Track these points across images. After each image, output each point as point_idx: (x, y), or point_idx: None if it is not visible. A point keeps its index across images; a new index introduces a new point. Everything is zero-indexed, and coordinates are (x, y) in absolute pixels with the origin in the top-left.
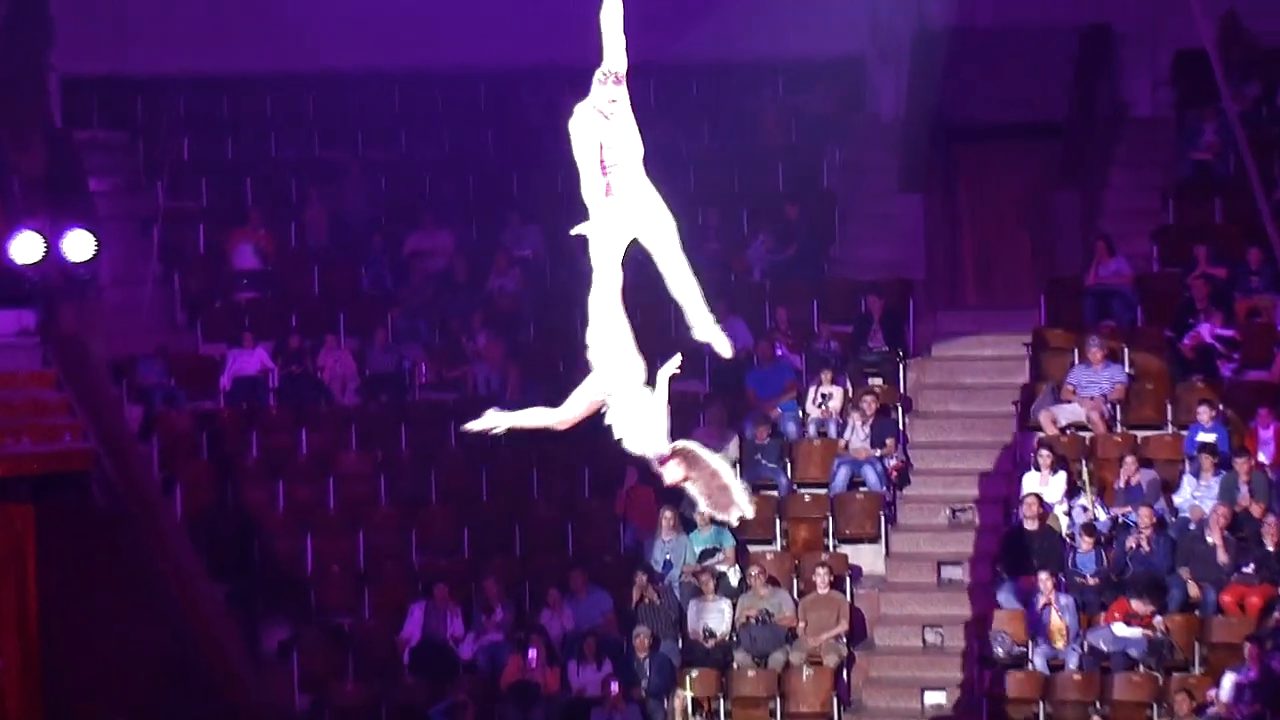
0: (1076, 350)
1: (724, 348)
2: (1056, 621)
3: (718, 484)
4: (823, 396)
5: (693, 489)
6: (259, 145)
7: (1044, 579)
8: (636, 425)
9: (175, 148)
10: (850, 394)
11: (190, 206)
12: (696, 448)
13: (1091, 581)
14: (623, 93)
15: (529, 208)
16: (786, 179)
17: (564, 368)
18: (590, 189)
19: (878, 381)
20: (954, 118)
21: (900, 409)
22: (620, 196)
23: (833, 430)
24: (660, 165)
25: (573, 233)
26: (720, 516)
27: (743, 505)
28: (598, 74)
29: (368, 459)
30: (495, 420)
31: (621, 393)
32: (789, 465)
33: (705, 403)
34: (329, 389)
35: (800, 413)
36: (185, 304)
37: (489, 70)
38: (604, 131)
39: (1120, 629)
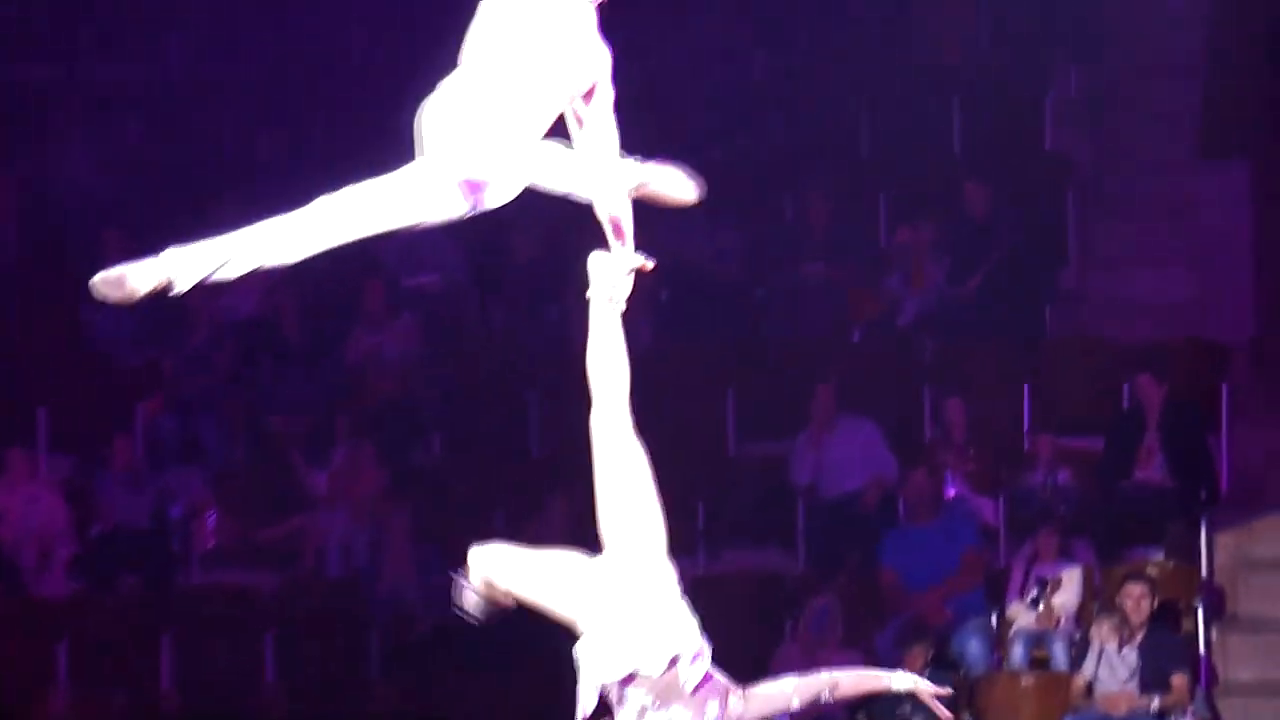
0: None
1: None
2: None
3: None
4: (1040, 585)
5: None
6: None
7: None
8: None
9: None
10: (1098, 581)
11: None
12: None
13: None
14: None
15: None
16: (967, 130)
17: (506, 518)
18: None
19: (1156, 560)
20: None
21: (1201, 612)
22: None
23: (1060, 655)
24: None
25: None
26: None
27: None
28: None
29: (89, 711)
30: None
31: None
32: None
33: (801, 591)
34: (12, 562)
35: (993, 618)
36: None
37: None
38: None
39: None
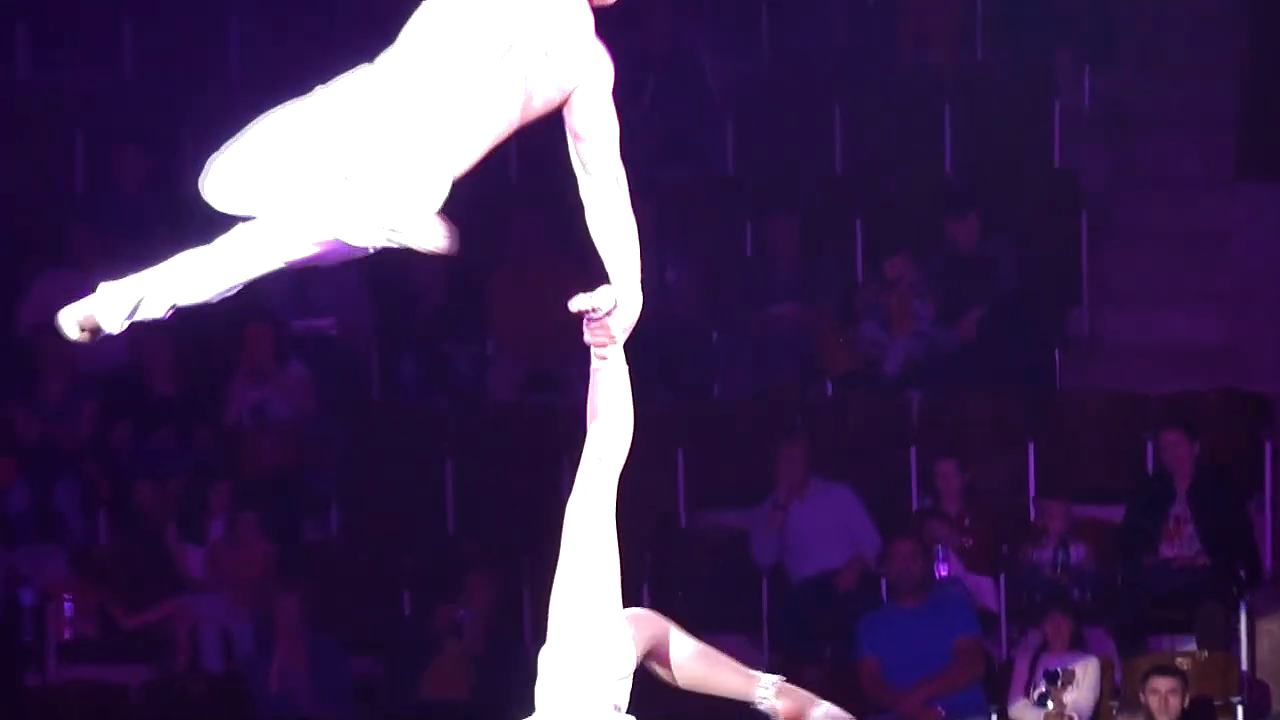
0: None
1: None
2: None
3: None
4: (1049, 679)
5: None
6: None
7: None
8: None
9: None
10: (1118, 675)
11: None
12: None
13: None
14: None
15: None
16: (960, 145)
17: (416, 602)
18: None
19: (1187, 650)
20: None
21: (1241, 711)
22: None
23: None
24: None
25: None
26: None
27: None
28: None
29: None
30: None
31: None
32: None
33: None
34: None
35: (993, 718)
36: None
37: None
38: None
39: None
